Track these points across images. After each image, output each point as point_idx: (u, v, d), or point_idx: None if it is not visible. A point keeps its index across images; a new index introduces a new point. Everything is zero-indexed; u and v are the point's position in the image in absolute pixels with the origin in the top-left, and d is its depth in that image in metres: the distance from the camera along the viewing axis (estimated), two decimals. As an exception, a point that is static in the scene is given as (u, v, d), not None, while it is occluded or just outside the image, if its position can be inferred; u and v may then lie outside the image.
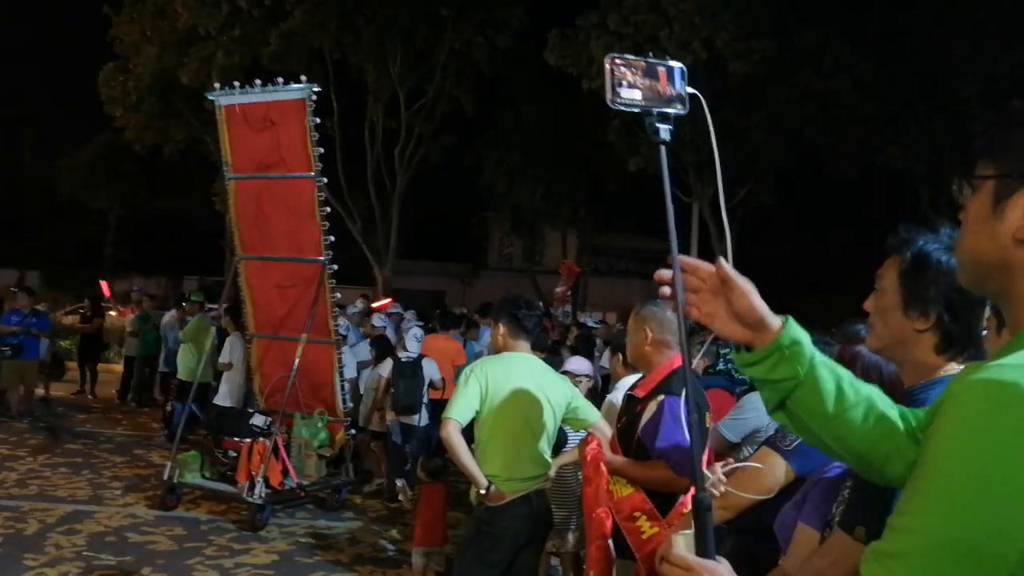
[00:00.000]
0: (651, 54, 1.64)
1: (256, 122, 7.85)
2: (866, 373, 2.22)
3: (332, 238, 7.99)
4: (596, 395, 5.92)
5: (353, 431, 8.56)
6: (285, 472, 7.66)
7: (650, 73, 1.60)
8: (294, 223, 8.00)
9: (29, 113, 37.14)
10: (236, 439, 7.79)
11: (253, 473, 7.41)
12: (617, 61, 1.57)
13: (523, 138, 25.48)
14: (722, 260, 1.50)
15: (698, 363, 6.35)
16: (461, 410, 3.88)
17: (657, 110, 1.59)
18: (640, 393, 3.51)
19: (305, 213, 7.90)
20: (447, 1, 21.31)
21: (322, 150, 7.78)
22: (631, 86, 1.57)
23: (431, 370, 8.52)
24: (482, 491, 3.88)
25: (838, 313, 3.74)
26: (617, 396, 4.38)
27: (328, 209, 8.06)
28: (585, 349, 9.36)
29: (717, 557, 1.38)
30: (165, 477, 7.75)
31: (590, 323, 11.87)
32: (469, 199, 29.22)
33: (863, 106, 19.11)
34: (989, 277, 1.19)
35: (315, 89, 7.63)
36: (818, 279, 24.76)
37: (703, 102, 1.66)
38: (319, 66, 21.04)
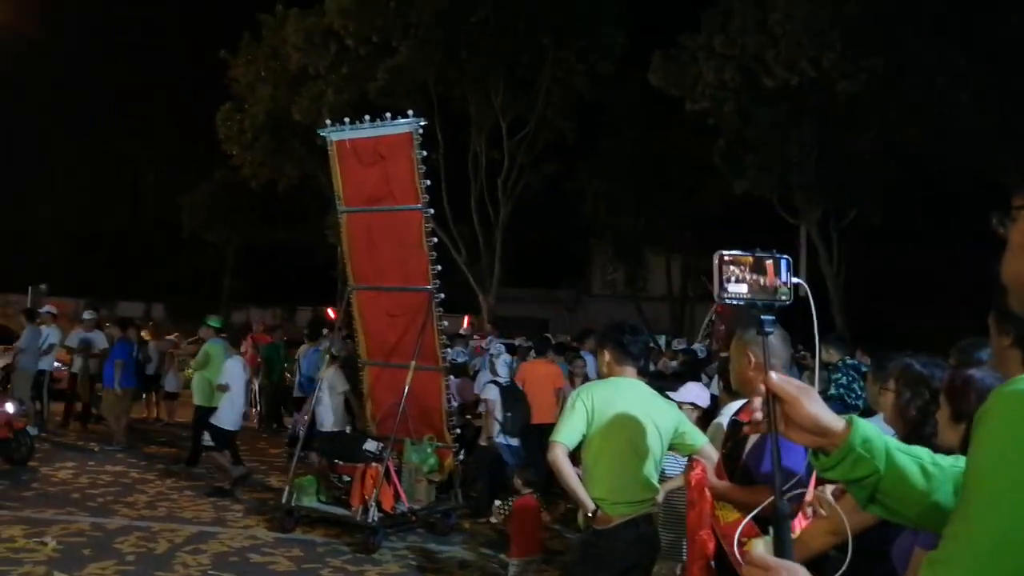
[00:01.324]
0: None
1: (366, 156, 8.15)
2: (980, 397, 2.19)
3: (439, 267, 8.19)
4: (706, 424, 5.82)
5: (461, 456, 8.70)
6: (397, 496, 7.83)
7: (758, 268, 1.66)
8: (403, 253, 8.24)
9: (154, 154, 39.20)
10: (350, 464, 8.03)
11: (366, 497, 7.61)
12: (726, 258, 1.64)
13: (625, 163, 25.48)
14: (771, 375, 1.55)
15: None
16: (568, 434, 3.92)
17: (762, 302, 1.66)
18: (745, 418, 3.48)
19: (413, 244, 8.13)
20: (547, 30, 21.58)
21: (428, 182, 8.00)
22: (738, 281, 1.64)
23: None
24: (589, 514, 3.91)
25: (953, 333, 3.64)
26: (724, 420, 4.36)
27: (435, 239, 8.28)
28: (692, 376, 9.27)
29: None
30: (283, 501, 8.03)
31: (698, 350, 11.72)
32: (572, 226, 29.30)
33: (979, 120, 18.38)
34: None
35: (421, 123, 7.86)
36: (931, 299, 23.78)
37: (808, 291, 1.72)
38: (424, 100, 21.59)
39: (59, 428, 12.59)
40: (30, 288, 21.21)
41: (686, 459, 4.40)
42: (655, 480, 4.08)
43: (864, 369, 7.77)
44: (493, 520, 8.32)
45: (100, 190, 41.32)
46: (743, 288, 1.64)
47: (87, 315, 13.32)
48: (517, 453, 8.60)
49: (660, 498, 4.21)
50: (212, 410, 9.68)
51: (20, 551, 6.87)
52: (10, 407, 10.30)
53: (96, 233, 41.38)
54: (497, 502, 8.45)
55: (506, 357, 9.89)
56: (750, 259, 1.65)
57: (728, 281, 1.63)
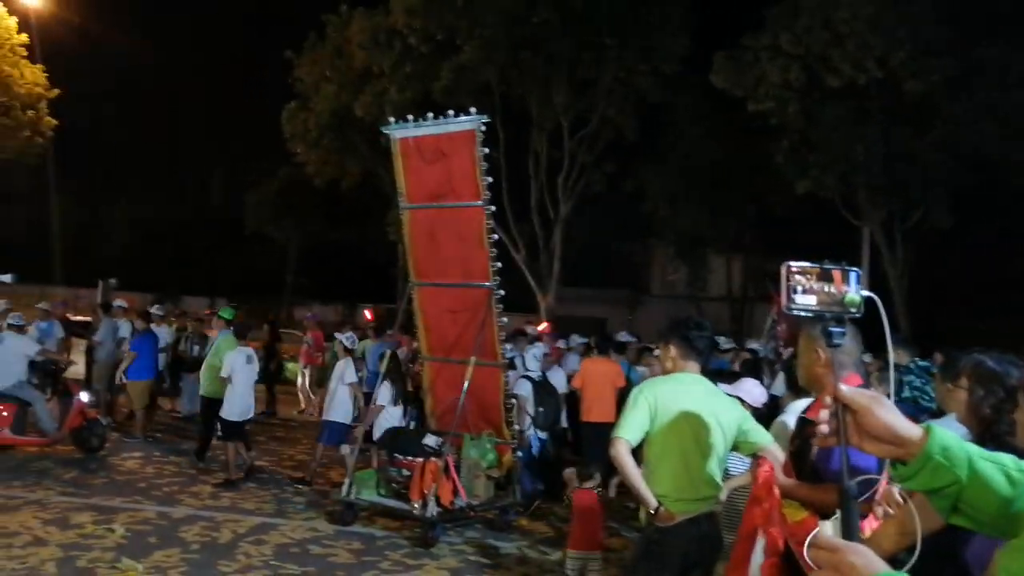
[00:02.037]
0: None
1: (428, 153, 8.19)
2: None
3: (499, 264, 8.20)
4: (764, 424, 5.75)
5: (520, 453, 8.70)
6: (455, 491, 7.87)
7: (825, 277, 1.65)
8: (464, 250, 8.28)
9: (220, 153, 40.02)
10: (409, 458, 8.09)
11: (425, 492, 7.66)
12: (793, 268, 1.64)
13: (686, 162, 25.27)
14: (840, 387, 1.53)
15: (878, 392, 6.10)
16: (631, 430, 3.89)
17: (831, 314, 1.64)
18: (813, 416, 3.41)
19: (474, 240, 8.16)
20: (610, 31, 21.49)
21: (490, 179, 8.02)
22: (806, 291, 1.63)
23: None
24: (651, 511, 3.88)
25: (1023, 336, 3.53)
26: (790, 419, 4.28)
27: (495, 236, 8.29)
28: (752, 375, 9.14)
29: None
30: (343, 494, 8.13)
31: (757, 348, 11.55)
32: (632, 226, 29.15)
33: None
34: None
35: (484, 120, 7.88)
36: (998, 302, 23.12)
37: (879, 303, 1.70)
38: (486, 99, 21.65)
39: (126, 419, 12.92)
40: (100, 283, 21.85)
41: (748, 458, 4.34)
42: (719, 478, 4.04)
43: (935, 370, 7.55)
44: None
45: (168, 187, 42.33)
46: (811, 299, 1.63)
47: (155, 310, 13.64)
48: (547, 447, 8.64)
49: (723, 497, 4.16)
50: (217, 401, 9.89)
51: (89, 537, 7.07)
52: (85, 396, 10.62)
53: (164, 229, 42.39)
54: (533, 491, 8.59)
55: (536, 351, 9.90)
56: (817, 269, 1.64)
57: (795, 292, 1.62)
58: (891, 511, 2.54)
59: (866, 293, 1.67)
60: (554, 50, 21.75)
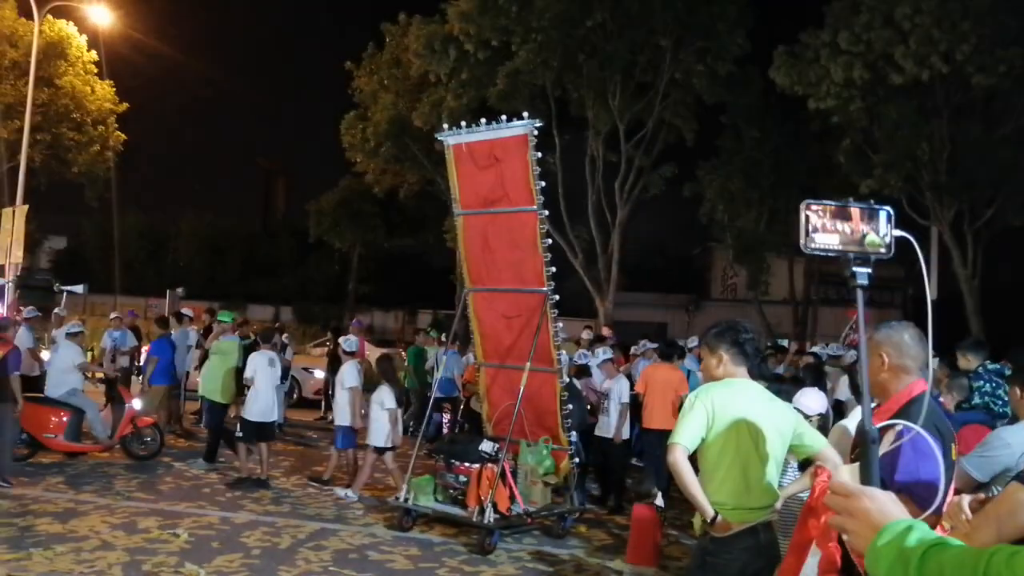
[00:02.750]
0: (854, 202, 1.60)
1: (482, 159, 8.21)
2: None
3: (553, 269, 8.17)
4: (826, 431, 5.56)
5: (577, 460, 8.63)
6: (512, 498, 7.84)
7: (841, 215, 1.59)
8: (518, 255, 8.26)
9: (284, 164, 40.80)
10: (466, 464, 8.09)
11: (482, 498, 7.65)
12: (812, 206, 1.59)
13: (745, 164, 24.93)
14: (839, 480, 1.50)
15: (947, 399, 5.91)
16: (688, 436, 3.78)
17: (855, 254, 1.57)
18: (875, 422, 3.30)
19: (528, 245, 8.14)
20: (666, 31, 21.30)
21: (543, 184, 7.99)
22: (825, 231, 1.58)
23: None
24: (708, 520, 3.79)
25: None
26: (851, 423, 4.15)
27: (550, 241, 8.26)
28: (814, 381, 8.95)
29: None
30: (401, 500, 8.17)
31: (820, 352, 11.29)
32: (691, 229, 28.88)
33: None
34: None
35: (537, 124, 7.87)
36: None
37: (915, 244, 1.64)
38: (542, 103, 21.66)
39: (194, 426, 13.17)
40: (168, 292, 22.38)
41: (797, 463, 4.22)
42: (776, 485, 3.93)
43: (1008, 374, 7.25)
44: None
45: (234, 198, 43.35)
46: (833, 239, 1.56)
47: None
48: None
49: (778, 504, 4.05)
50: (217, 404, 10.20)
51: (154, 541, 7.21)
52: (137, 404, 10.86)
53: (229, 239, 43.32)
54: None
55: (563, 356, 9.82)
56: (832, 207, 1.58)
57: (814, 231, 1.55)
58: (951, 525, 2.44)
59: (899, 233, 1.60)
60: (609, 53, 21.64)
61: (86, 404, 10.50)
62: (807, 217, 1.56)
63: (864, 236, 1.58)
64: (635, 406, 10.03)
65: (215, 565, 6.68)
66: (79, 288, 15.82)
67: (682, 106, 22.84)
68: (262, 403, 9.75)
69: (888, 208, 1.62)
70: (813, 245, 1.56)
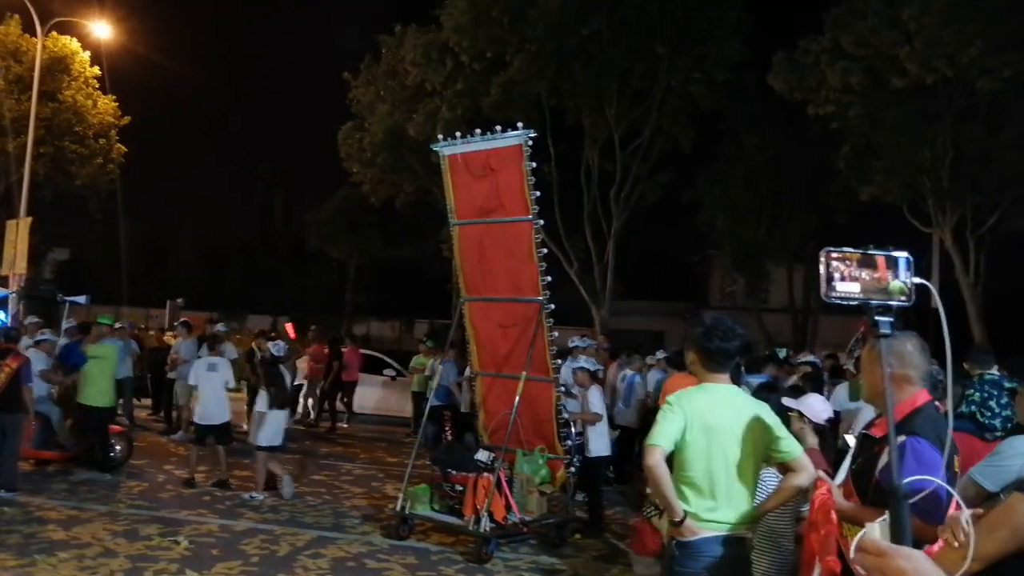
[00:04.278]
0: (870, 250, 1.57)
1: (477, 169, 8.27)
2: None
3: (549, 278, 8.22)
4: (825, 441, 5.38)
5: (573, 469, 8.66)
6: (508, 507, 7.87)
7: (867, 263, 1.58)
8: (513, 265, 8.31)
9: (282, 175, 40.89)
10: (462, 473, 8.13)
11: (478, 507, 7.69)
12: (833, 254, 1.57)
13: (744, 171, 24.94)
14: (869, 536, 1.46)
15: (940, 405, 5.89)
16: (665, 437, 3.67)
17: (877, 303, 1.57)
18: (877, 433, 3.29)
19: (523, 255, 8.18)
20: (663, 39, 21.33)
21: (539, 193, 8.05)
22: (847, 279, 1.57)
23: None
24: (675, 519, 3.67)
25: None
26: (850, 437, 4.13)
27: (545, 250, 8.30)
28: (814, 390, 8.97)
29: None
30: (398, 508, 8.20)
31: (815, 360, 11.32)
32: (688, 237, 28.88)
33: None
34: None
35: (531, 134, 7.92)
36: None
37: (934, 292, 1.63)
38: (537, 113, 21.68)
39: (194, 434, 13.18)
40: (168, 302, 22.45)
41: (779, 475, 4.14)
42: (750, 497, 3.79)
43: (1008, 384, 7.18)
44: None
45: (232, 209, 43.48)
46: (854, 287, 1.56)
47: (220, 327, 13.93)
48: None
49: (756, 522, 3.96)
50: (105, 410, 10.50)
51: (156, 549, 7.27)
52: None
53: (228, 250, 43.37)
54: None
55: (568, 364, 9.88)
56: (858, 255, 1.57)
57: (835, 279, 1.55)
58: (953, 540, 2.46)
59: (917, 280, 1.60)
60: (605, 61, 21.69)
61: (51, 411, 10.58)
62: (827, 265, 1.55)
63: (887, 284, 1.57)
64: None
65: (214, 572, 6.73)
66: (82, 299, 15.87)
67: (679, 114, 22.88)
68: (205, 407, 10.21)
69: (907, 254, 1.62)
70: (834, 294, 1.56)
